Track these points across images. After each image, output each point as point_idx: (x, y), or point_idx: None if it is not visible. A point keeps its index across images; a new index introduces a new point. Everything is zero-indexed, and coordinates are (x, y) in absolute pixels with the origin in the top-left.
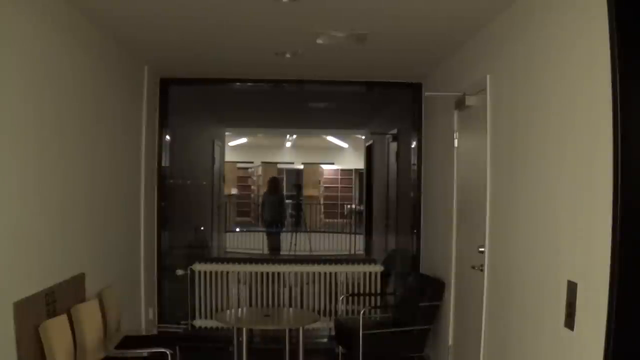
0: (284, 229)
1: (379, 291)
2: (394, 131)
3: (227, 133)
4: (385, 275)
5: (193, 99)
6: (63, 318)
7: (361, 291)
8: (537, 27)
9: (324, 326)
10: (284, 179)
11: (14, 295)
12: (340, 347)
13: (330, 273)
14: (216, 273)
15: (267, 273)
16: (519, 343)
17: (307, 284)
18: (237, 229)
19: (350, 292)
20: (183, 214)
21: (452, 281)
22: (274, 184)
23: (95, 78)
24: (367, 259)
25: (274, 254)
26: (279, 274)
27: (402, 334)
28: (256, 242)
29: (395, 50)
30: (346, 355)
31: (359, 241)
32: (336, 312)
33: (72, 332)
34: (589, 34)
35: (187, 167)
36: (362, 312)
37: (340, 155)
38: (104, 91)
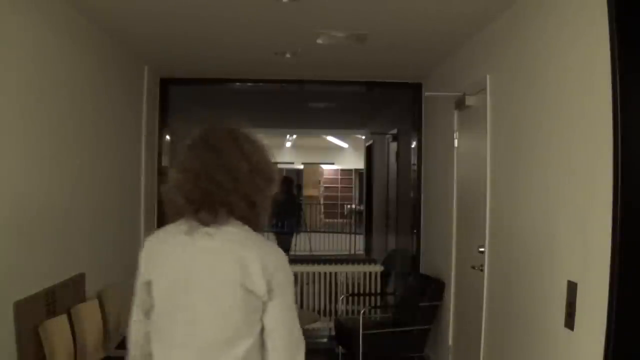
0: (297, 230)
1: (379, 291)
2: (394, 131)
3: None
4: (385, 275)
5: (193, 99)
6: (63, 318)
7: (361, 291)
8: (538, 27)
9: (324, 326)
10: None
11: (14, 295)
12: (340, 347)
13: (330, 273)
14: None
15: None
16: (519, 343)
17: (307, 284)
18: None
19: (350, 292)
20: None
21: (452, 281)
22: (287, 183)
23: (94, 78)
24: (367, 259)
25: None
26: None
27: (402, 334)
28: None
29: (395, 50)
30: (346, 355)
31: (359, 241)
32: (336, 312)
33: (72, 332)
34: (589, 34)
35: None
36: (362, 312)
37: (340, 155)
38: (104, 91)
